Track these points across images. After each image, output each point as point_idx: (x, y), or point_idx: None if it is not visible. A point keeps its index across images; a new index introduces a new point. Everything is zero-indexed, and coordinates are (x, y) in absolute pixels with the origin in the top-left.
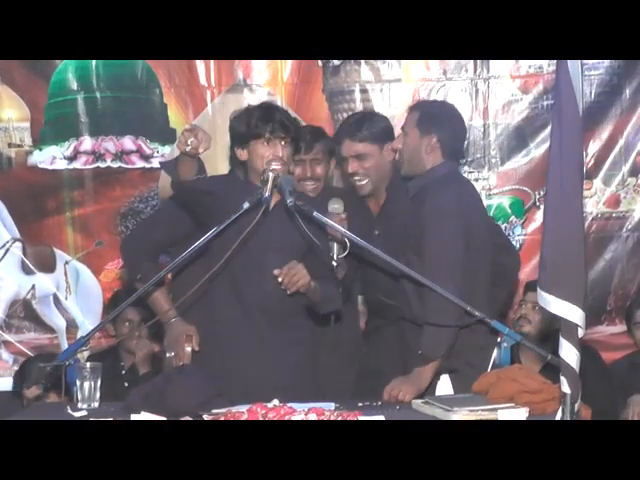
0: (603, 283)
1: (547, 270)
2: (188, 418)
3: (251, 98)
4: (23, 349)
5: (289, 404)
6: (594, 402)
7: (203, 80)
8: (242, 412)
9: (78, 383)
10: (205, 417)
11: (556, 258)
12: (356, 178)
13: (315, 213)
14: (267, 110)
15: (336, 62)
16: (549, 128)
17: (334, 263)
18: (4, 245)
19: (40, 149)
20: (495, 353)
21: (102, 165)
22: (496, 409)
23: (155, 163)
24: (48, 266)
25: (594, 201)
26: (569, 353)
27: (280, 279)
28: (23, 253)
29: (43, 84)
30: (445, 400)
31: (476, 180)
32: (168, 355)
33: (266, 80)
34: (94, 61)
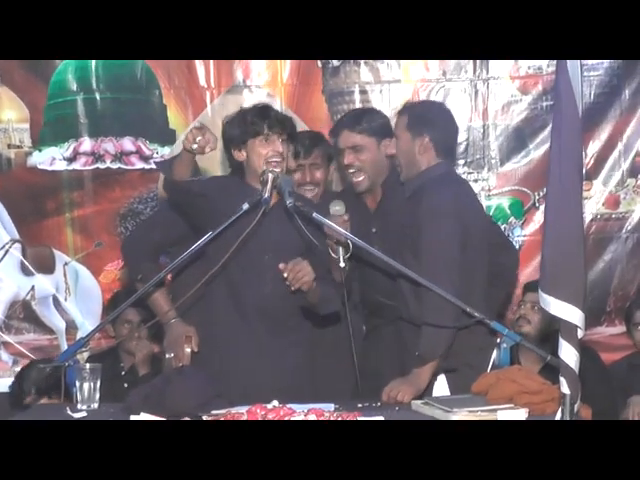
0: (603, 284)
1: (547, 271)
2: (187, 419)
3: (250, 99)
4: (23, 350)
5: (288, 405)
6: (593, 403)
7: (203, 81)
8: (242, 413)
9: (78, 384)
10: (205, 418)
11: (556, 259)
12: (351, 171)
13: (315, 214)
14: (262, 108)
15: (336, 63)
16: (548, 129)
17: (342, 264)
18: (3, 246)
19: (40, 150)
20: (495, 354)
21: (101, 166)
22: (495, 410)
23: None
24: (47, 267)
25: (594, 202)
26: (569, 354)
27: (285, 274)
28: (22, 254)
29: (43, 85)
30: (444, 401)
31: (475, 181)
32: (168, 356)
33: (265, 81)
34: (93, 62)
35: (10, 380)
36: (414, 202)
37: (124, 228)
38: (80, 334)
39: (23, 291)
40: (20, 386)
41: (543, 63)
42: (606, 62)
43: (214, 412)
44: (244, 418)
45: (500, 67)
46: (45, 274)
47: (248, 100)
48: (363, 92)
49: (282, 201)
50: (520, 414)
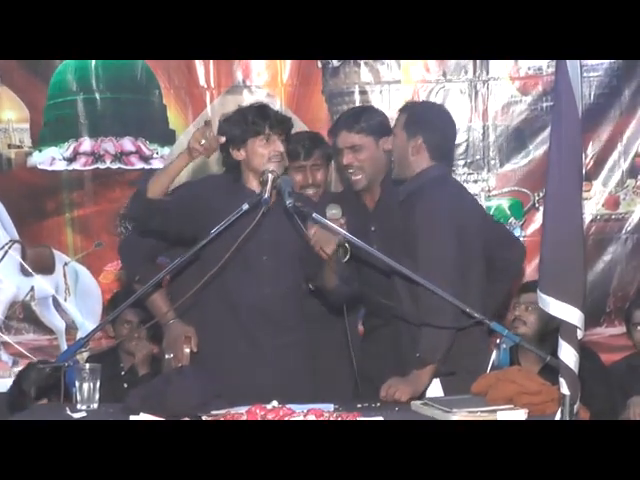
0: (602, 285)
1: (546, 272)
2: (187, 419)
3: (250, 99)
4: (22, 350)
5: (288, 405)
6: (593, 404)
7: (202, 81)
8: (241, 413)
9: (77, 384)
10: (204, 418)
11: (555, 260)
12: (350, 171)
13: (314, 214)
14: (261, 108)
15: (336, 63)
16: (548, 129)
17: (345, 259)
18: (3, 247)
19: (40, 150)
20: (494, 354)
21: (101, 166)
22: (495, 410)
23: (155, 164)
24: (47, 267)
25: (593, 203)
26: (568, 355)
27: (312, 232)
28: (22, 255)
29: (43, 85)
30: (444, 401)
31: (475, 182)
32: (167, 356)
33: (265, 81)
34: (93, 62)
35: (10, 380)
36: (408, 206)
37: (124, 228)
38: (80, 334)
39: (23, 292)
40: (19, 387)
41: (543, 64)
42: (606, 62)
43: (214, 412)
44: (244, 418)
45: (500, 68)
46: (45, 274)
47: (248, 100)
48: (363, 93)
49: (280, 201)
50: (520, 415)
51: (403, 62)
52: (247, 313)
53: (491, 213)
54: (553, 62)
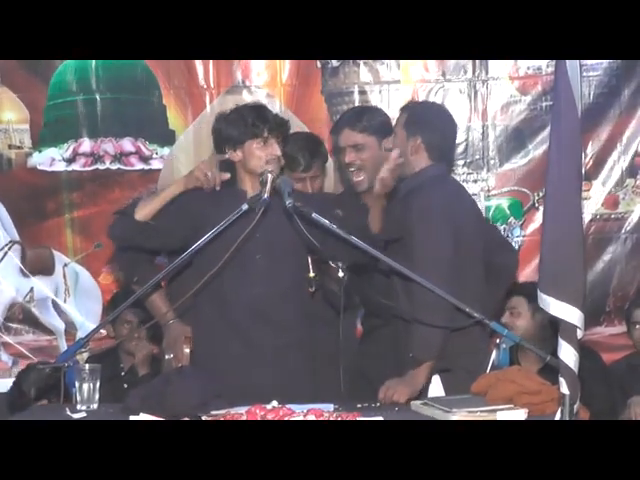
0: (602, 284)
1: (546, 272)
2: (187, 419)
3: (250, 99)
4: (22, 350)
5: (288, 405)
6: (593, 403)
7: (202, 81)
8: (241, 413)
9: (77, 385)
10: (204, 418)
11: (555, 259)
12: (352, 169)
13: (314, 214)
14: (261, 110)
15: (335, 63)
16: (548, 129)
17: (340, 274)
18: (2, 248)
19: (40, 151)
20: (494, 354)
21: (101, 167)
22: (495, 410)
23: (154, 164)
24: (47, 269)
25: (593, 202)
26: (568, 354)
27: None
28: (22, 255)
29: (43, 86)
30: (444, 401)
31: (475, 181)
32: (167, 357)
33: (265, 81)
34: (93, 63)
35: (10, 381)
36: (405, 203)
37: None
38: (80, 335)
39: (22, 293)
40: (19, 388)
41: (542, 63)
42: (605, 62)
43: (214, 412)
44: (243, 418)
45: (499, 67)
46: (44, 275)
47: (248, 100)
48: (362, 92)
49: (274, 201)
50: (519, 414)
51: (402, 62)
52: (241, 313)
53: (491, 213)
54: (552, 62)
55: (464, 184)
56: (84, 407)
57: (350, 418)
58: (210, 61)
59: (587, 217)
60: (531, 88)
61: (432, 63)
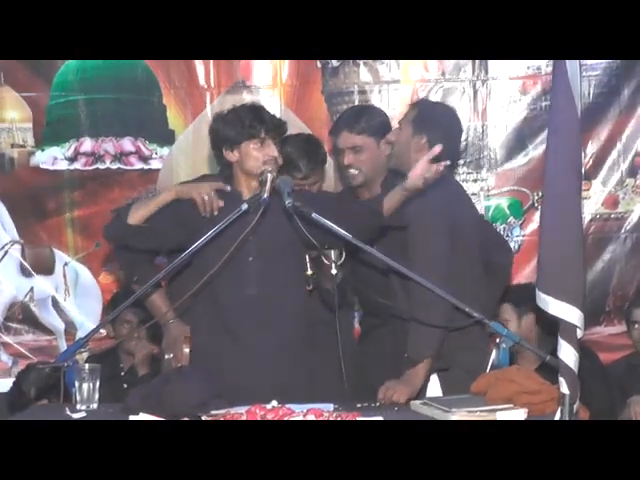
0: (602, 284)
1: (545, 271)
2: (187, 419)
3: (250, 99)
4: (22, 350)
5: (288, 405)
6: (592, 403)
7: (202, 81)
8: (241, 413)
9: (77, 384)
10: (204, 418)
11: (554, 259)
12: (351, 170)
13: (314, 214)
14: (258, 111)
15: (335, 63)
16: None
17: (333, 271)
18: (3, 247)
19: (42, 150)
20: (494, 354)
21: (101, 167)
22: (495, 410)
23: (154, 164)
24: (47, 268)
25: (593, 202)
26: (568, 354)
27: None
28: (22, 255)
29: (45, 85)
30: (444, 401)
31: (475, 181)
32: (167, 357)
33: (265, 81)
34: (95, 63)
35: (10, 381)
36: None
37: None
38: (80, 334)
39: (22, 292)
40: (19, 388)
41: (542, 63)
42: (605, 62)
43: (213, 412)
44: (243, 418)
45: (499, 67)
46: (44, 275)
47: (248, 101)
48: (362, 92)
49: (267, 201)
50: (519, 414)
51: (402, 62)
52: (236, 314)
53: (490, 212)
54: (552, 62)
55: (464, 184)
56: (84, 407)
57: (350, 418)
58: (210, 61)
59: (587, 217)
60: (531, 88)
61: (432, 63)
